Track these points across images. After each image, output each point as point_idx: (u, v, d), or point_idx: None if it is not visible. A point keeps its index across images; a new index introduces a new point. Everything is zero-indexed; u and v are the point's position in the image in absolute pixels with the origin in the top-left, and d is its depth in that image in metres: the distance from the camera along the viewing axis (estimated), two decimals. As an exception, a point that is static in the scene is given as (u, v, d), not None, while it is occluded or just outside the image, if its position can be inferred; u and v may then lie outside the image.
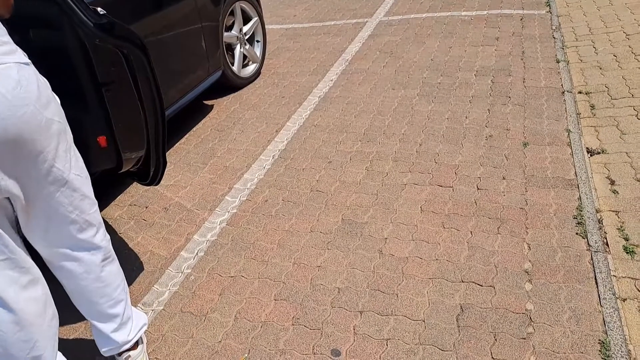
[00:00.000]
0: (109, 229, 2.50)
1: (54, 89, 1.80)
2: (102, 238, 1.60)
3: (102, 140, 1.79)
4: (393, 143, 2.90)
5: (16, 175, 1.33)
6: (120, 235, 2.47)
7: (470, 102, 3.20)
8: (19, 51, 1.30)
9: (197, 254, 2.28)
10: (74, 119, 1.82)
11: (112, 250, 1.65)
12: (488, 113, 3.06)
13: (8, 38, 1.30)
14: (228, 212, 2.53)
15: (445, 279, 1.97)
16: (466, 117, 3.04)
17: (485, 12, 4.70)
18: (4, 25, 1.23)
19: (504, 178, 2.48)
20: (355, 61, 4.11)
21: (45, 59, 1.87)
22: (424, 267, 2.04)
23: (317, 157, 2.88)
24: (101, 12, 1.39)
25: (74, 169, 1.46)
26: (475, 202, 2.35)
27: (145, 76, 1.61)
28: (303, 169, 2.79)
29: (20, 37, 1.89)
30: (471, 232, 2.18)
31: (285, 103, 3.61)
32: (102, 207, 2.70)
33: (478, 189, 2.43)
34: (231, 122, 3.45)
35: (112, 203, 2.73)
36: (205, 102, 3.80)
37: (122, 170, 2.00)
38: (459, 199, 2.38)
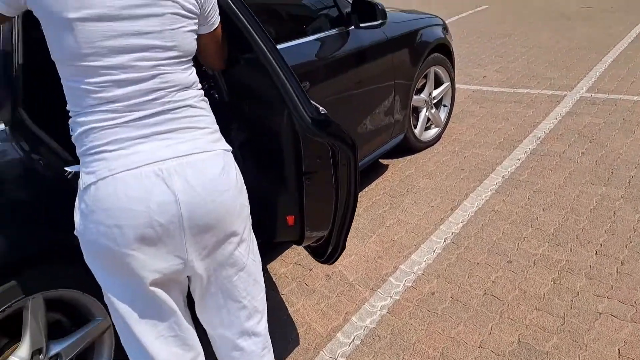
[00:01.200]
0: (273, 286, 2.51)
1: (258, 167, 1.84)
2: (265, 326, 1.57)
3: (290, 219, 1.79)
4: (588, 254, 2.53)
5: (206, 256, 1.34)
6: (282, 296, 2.46)
7: (692, 221, 2.70)
8: (223, 139, 1.35)
9: (353, 340, 2.17)
10: (269, 196, 1.85)
11: (269, 339, 1.60)
12: None
13: (217, 126, 1.35)
14: (390, 297, 2.39)
15: None
16: (685, 240, 2.56)
17: None
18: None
19: None
20: (548, 141, 3.75)
21: (257, 136, 1.93)
22: None
23: (495, 253, 2.62)
24: (322, 111, 1.35)
25: (251, 253, 1.46)
26: (693, 361, 1.92)
27: (347, 171, 1.56)
28: (477, 263, 2.56)
29: (237, 111, 1.97)
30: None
31: (464, 177, 3.39)
32: (269, 259, 2.73)
33: (698, 343, 1.99)
34: (404, 189, 3.33)
35: (279, 257, 2.75)
36: (381, 160, 3.74)
37: (303, 245, 1.98)
38: (670, 350, 1.97)
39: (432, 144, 3.92)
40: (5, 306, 1.47)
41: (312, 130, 1.37)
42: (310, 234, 1.85)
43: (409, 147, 3.76)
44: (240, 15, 1.44)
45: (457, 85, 5.10)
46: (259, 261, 1.51)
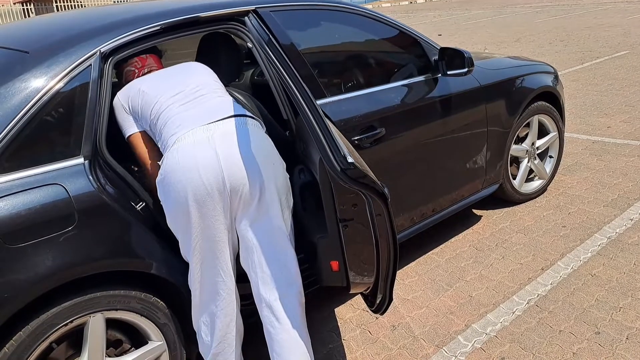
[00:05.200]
0: (336, 330, 2.51)
1: (310, 209, 1.94)
2: (296, 294, 1.93)
3: (334, 264, 1.81)
4: (697, 335, 2.18)
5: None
6: (344, 342, 2.44)
7: None
8: None
9: (405, 397, 2.08)
10: (315, 239, 1.89)
11: (301, 311, 1.93)
12: None
13: None
14: (455, 357, 2.26)
15: None
16: None
17: None
18: None
19: None
20: (671, 201, 3.33)
21: (308, 179, 2.02)
22: None
23: (583, 321, 2.36)
24: (350, 160, 1.37)
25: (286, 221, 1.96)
26: None
27: (383, 221, 1.55)
28: (560, 330, 2.32)
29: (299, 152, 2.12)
30: None
31: (563, 235, 3.12)
32: (337, 303, 2.73)
33: None
34: (494, 243, 3.15)
35: (348, 302, 2.74)
36: (474, 210, 3.58)
37: (352, 292, 1.97)
38: None
39: (535, 197, 3.67)
40: (67, 321, 1.66)
41: (341, 177, 1.40)
42: (356, 281, 1.84)
43: (506, 198, 3.56)
44: (279, 66, 1.53)
45: (576, 135, 4.77)
46: (291, 231, 1.91)
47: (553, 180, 3.81)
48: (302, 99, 1.49)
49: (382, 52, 2.88)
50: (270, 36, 1.65)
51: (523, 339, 2.31)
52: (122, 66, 2.11)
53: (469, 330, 2.42)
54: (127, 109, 1.98)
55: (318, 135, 1.43)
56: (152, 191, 1.93)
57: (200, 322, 1.92)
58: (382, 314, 1.93)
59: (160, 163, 1.80)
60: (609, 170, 3.95)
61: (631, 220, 3.18)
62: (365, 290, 1.97)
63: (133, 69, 2.11)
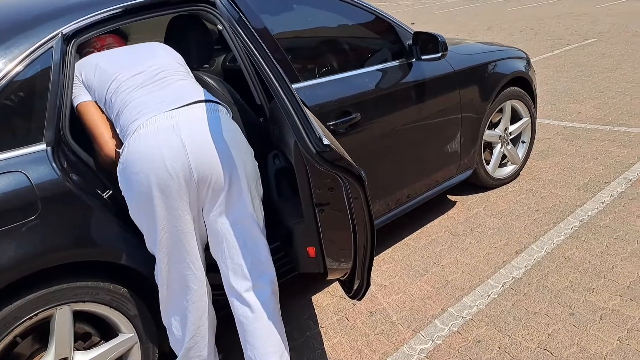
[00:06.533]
0: (313, 318, 2.48)
1: (285, 195, 1.90)
2: (269, 281, 1.91)
3: (311, 250, 1.77)
4: (667, 313, 2.22)
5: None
6: (321, 329, 2.41)
7: None
8: None
9: (383, 382, 2.07)
10: (291, 225, 1.85)
11: (274, 298, 1.90)
12: None
13: None
14: (432, 340, 2.26)
15: None
16: None
17: None
18: None
19: None
20: (640, 184, 3.39)
21: (283, 164, 1.98)
22: None
23: (557, 303, 2.38)
24: (325, 142, 1.33)
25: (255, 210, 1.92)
26: None
27: (360, 205, 1.52)
28: (535, 312, 2.34)
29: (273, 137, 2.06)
30: None
31: (537, 219, 3.15)
32: (314, 291, 2.71)
33: None
34: (468, 228, 3.16)
35: (326, 289, 2.71)
36: (449, 196, 3.59)
37: (329, 278, 1.94)
38: None
39: (508, 182, 3.70)
40: (32, 314, 1.59)
41: (317, 160, 1.36)
42: (333, 267, 1.81)
43: (480, 183, 3.57)
44: (251, 46, 1.48)
45: (547, 121, 4.82)
46: (262, 219, 1.86)
47: (525, 165, 3.84)
48: (275, 79, 1.44)
49: (357, 37, 2.83)
50: (241, 14, 1.59)
51: (499, 322, 2.32)
52: (82, 49, 2.02)
53: (445, 314, 2.42)
54: (80, 78, 1.86)
55: (292, 117, 1.38)
56: (109, 167, 1.82)
57: (170, 316, 1.85)
58: (359, 299, 1.91)
59: (120, 151, 1.70)
60: (579, 155, 4.00)
61: (602, 203, 3.22)
62: (343, 277, 1.94)
63: (92, 49, 2.02)
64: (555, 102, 5.42)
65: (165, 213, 1.67)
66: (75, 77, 1.85)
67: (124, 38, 2.15)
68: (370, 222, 1.57)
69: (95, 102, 1.86)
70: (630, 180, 3.46)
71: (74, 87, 1.85)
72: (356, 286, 1.87)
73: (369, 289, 1.93)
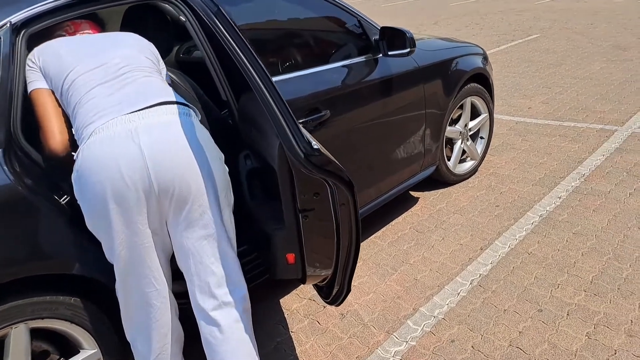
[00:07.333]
0: (283, 322, 2.40)
1: (260, 200, 1.78)
2: (241, 298, 1.76)
3: (290, 257, 1.69)
4: (630, 307, 2.29)
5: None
6: (292, 334, 2.34)
7: None
8: None
9: (361, 388, 2.02)
10: (269, 231, 1.75)
11: (247, 316, 1.77)
12: None
13: None
14: (406, 342, 2.23)
15: None
16: None
17: None
18: None
19: None
20: (593, 179, 3.50)
21: (259, 167, 1.87)
22: None
23: (525, 299, 2.41)
24: (315, 146, 1.25)
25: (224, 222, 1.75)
26: None
27: (347, 211, 1.45)
28: (505, 310, 2.36)
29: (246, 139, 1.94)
30: None
31: (498, 214, 3.19)
32: (282, 293, 2.62)
33: None
34: (433, 224, 3.17)
35: (294, 291, 2.63)
36: (411, 192, 3.59)
37: (307, 284, 1.86)
38: None
39: (467, 178, 3.73)
40: (-16, 335, 1.43)
41: (305, 165, 1.27)
42: (313, 273, 1.74)
43: (441, 179, 3.59)
44: (232, 41, 1.38)
45: (499, 117, 4.91)
46: (232, 232, 1.72)
47: (483, 161, 3.89)
48: (258, 77, 1.34)
49: (322, 31, 2.75)
50: (219, 7, 1.47)
51: (470, 320, 2.32)
52: (53, 32, 1.83)
53: (417, 314, 2.40)
54: (37, 64, 1.69)
55: (277, 118, 1.29)
56: (60, 166, 1.67)
57: (134, 334, 1.71)
58: (337, 305, 1.84)
59: (74, 155, 1.54)
60: (533, 150, 4.10)
61: (559, 198, 3.31)
62: (321, 282, 1.87)
63: (64, 33, 1.83)
64: (506, 97, 5.54)
65: (122, 227, 1.51)
66: (31, 62, 1.68)
67: (100, 25, 1.96)
68: (356, 228, 1.50)
69: (52, 91, 1.68)
70: (584, 175, 3.57)
71: (29, 72, 1.67)
72: (335, 291, 1.80)
73: (348, 295, 1.86)
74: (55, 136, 1.60)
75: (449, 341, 2.21)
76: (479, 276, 2.62)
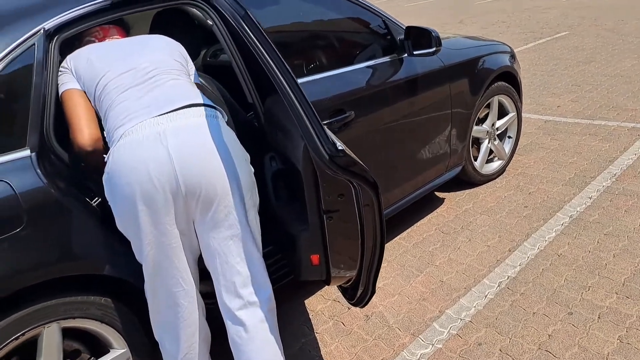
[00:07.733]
0: (308, 323, 2.41)
1: (285, 201, 1.78)
2: (266, 299, 1.76)
3: (315, 258, 1.69)
4: (664, 311, 2.23)
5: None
6: (317, 335, 2.34)
7: None
8: None
9: (386, 390, 2.01)
10: (293, 232, 1.76)
11: (272, 315, 1.78)
12: None
13: None
14: (432, 345, 2.21)
15: None
16: None
17: None
18: None
19: None
20: (625, 179, 3.41)
21: (284, 168, 1.88)
22: None
23: (555, 302, 2.36)
24: (340, 147, 1.25)
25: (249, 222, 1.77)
26: None
27: (371, 212, 1.44)
28: (534, 313, 2.32)
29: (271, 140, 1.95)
30: None
31: (526, 215, 3.14)
32: (307, 294, 2.63)
33: None
34: (459, 225, 3.13)
35: (318, 292, 2.64)
36: (437, 193, 3.55)
37: (331, 285, 1.86)
38: None
39: (495, 178, 3.68)
40: (18, 334, 1.47)
41: (329, 166, 1.27)
42: (337, 275, 1.74)
43: (468, 180, 3.55)
44: (258, 44, 1.39)
45: (528, 115, 4.83)
46: (257, 232, 1.73)
47: (511, 161, 3.83)
48: (284, 79, 1.34)
49: (347, 32, 2.75)
50: (247, 10, 1.48)
51: (498, 323, 2.28)
52: (82, 37, 1.88)
53: (443, 316, 2.37)
54: (70, 68, 1.73)
55: (303, 120, 1.29)
56: (90, 167, 1.70)
57: (162, 333, 1.74)
58: (362, 306, 1.84)
59: (105, 159, 1.58)
60: (563, 149, 4.02)
61: (590, 198, 3.23)
62: (346, 283, 1.87)
63: (93, 39, 1.88)
64: (534, 95, 5.45)
65: (151, 228, 1.54)
66: (63, 67, 1.72)
67: (125, 30, 2.01)
68: (381, 229, 1.50)
69: (84, 92, 1.72)
70: (615, 175, 3.48)
71: (61, 75, 1.70)
72: (360, 293, 1.80)
73: (373, 296, 1.86)
74: (83, 131, 1.63)
75: (476, 344, 2.18)
76: (507, 278, 2.58)
